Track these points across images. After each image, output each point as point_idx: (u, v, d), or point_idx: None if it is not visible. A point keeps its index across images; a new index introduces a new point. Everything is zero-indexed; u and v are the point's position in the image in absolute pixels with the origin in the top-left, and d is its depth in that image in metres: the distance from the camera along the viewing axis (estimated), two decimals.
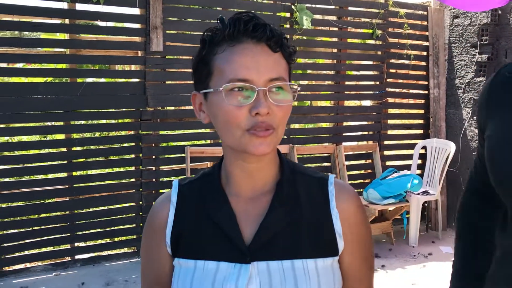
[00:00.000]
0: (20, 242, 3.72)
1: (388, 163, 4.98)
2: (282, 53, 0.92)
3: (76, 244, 3.93)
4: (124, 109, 3.91)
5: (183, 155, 4.10)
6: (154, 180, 4.06)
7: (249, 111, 0.87)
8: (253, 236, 0.94)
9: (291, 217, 0.96)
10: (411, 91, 5.18)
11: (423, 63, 5.05)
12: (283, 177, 0.99)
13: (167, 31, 3.90)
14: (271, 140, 0.90)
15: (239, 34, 0.88)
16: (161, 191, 4.05)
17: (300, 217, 0.97)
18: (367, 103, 5.24)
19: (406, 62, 4.95)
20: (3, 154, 4.30)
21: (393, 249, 4.39)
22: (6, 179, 3.88)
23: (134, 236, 4.07)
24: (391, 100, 5.03)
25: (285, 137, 4.48)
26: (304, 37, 4.51)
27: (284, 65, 0.92)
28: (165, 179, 4.13)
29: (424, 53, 5.04)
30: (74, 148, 3.85)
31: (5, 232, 3.71)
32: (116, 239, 4.20)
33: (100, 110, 3.83)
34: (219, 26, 0.91)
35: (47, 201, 4.08)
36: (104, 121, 3.99)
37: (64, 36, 3.74)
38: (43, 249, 3.84)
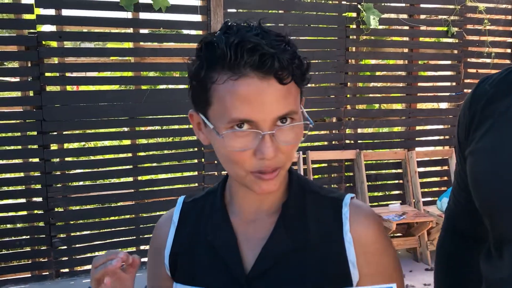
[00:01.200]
0: (90, 243, 3.88)
1: None
2: (293, 79, 0.78)
3: (141, 247, 4.03)
4: (186, 115, 3.94)
5: None
6: None
7: (254, 153, 0.77)
8: (254, 262, 0.85)
9: (297, 242, 0.85)
10: None
11: (507, 61, 4.63)
12: (290, 197, 0.88)
13: None
14: (278, 178, 0.80)
15: (240, 65, 0.74)
16: None
17: (307, 243, 0.85)
18: (443, 105, 4.90)
19: (487, 60, 4.56)
20: (79, 158, 4.53)
21: None
22: (81, 183, 4.07)
23: None
24: None
25: (351, 142, 4.30)
26: (372, 37, 4.30)
27: (295, 93, 0.79)
28: None
29: (508, 51, 4.64)
30: (139, 153, 3.95)
31: (78, 233, 3.88)
32: None
33: (163, 116, 3.89)
34: (215, 42, 0.77)
35: (114, 205, 4.22)
36: (167, 127, 4.05)
37: (129, 44, 3.85)
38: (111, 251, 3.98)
